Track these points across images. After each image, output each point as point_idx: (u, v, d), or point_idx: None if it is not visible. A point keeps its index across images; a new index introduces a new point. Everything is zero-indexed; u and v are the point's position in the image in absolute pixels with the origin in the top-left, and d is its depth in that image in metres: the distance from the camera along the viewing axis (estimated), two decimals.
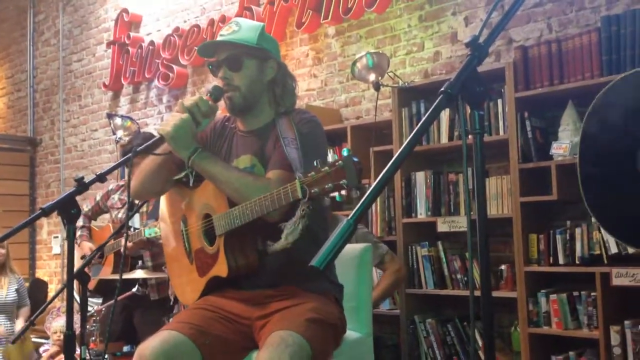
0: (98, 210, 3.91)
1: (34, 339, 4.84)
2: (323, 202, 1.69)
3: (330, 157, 1.68)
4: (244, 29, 2.07)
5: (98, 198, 3.89)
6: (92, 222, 3.98)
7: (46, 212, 1.77)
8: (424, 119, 1.16)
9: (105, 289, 3.65)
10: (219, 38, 2.10)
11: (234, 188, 1.94)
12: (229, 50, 2.06)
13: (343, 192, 1.64)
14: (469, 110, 1.27)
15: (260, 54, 2.08)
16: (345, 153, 1.64)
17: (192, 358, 1.89)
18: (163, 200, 2.33)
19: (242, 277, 2.02)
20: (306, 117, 2.09)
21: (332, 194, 1.65)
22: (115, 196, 3.80)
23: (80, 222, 3.82)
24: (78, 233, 3.81)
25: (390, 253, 3.47)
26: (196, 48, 2.18)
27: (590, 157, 2.82)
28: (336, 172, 1.63)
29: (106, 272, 3.61)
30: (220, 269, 2.00)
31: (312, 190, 1.65)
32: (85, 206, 3.87)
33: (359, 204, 1.07)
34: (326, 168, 1.64)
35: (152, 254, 3.51)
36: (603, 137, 2.78)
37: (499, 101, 3.47)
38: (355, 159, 1.63)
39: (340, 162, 1.63)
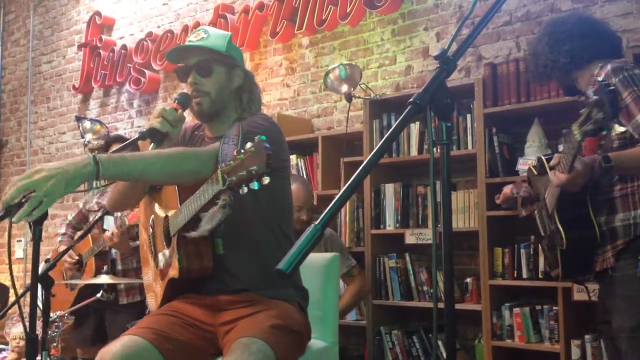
0: (82, 218, 3.79)
1: None
2: (244, 191, 1.60)
3: (249, 144, 1.60)
4: (213, 36, 2.08)
5: (81, 206, 3.81)
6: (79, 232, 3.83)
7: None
8: (393, 127, 1.18)
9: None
10: (187, 44, 2.08)
11: (160, 167, 1.80)
12: (199, 56, 2.06)
13: (256, 180, 1.55)
14: (437, 122, 1.29)
15: (229, 62, 2.09)
16: (258, 138, 1.59)
17: None
18: (140, 204, 2.31)
19: (198, 280, 1.99)
20: (256, 116, 2.07)
21: (247, 183, 1.57)
22: (94, 199, 3.73)
23: (62, 230, 3.75)
24: (58, 239, 3.73)
25: (358, 267, 3.50)
26: (166, 52, 2.13)
27: None
28: (249, 158, 1.58)
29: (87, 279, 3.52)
30: (174, 270, 1.97)
31: (230, 179, 1.59)
32: (70, 215, 3.81)
33: (327, 209, 1.08)
34: (241, 155, 1.59)
35: (123, 257, 3.47)
36: None
37: (468, 116, 3.53)
38: (267, 145, 1.57)
39: (252, 147, 1.58)
